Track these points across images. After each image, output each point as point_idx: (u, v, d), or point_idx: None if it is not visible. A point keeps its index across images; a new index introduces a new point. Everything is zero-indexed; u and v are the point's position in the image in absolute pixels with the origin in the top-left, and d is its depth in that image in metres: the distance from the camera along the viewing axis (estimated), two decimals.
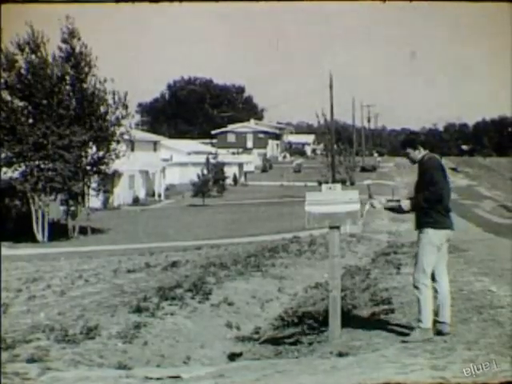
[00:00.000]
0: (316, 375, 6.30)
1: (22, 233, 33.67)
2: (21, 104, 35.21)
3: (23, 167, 35.15)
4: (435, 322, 7.40)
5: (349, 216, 7.86)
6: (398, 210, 7.58)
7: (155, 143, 62.38)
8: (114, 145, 37.57)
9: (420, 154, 7.49)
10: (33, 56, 35.05)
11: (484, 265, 14.41)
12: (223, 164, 63.33)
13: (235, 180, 69.74)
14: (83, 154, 36.34)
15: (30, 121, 34.96)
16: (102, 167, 37.54)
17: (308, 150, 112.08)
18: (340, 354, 7.10)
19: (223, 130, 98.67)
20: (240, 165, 74.54)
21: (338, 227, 7.82)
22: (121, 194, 51.89)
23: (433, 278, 7.43)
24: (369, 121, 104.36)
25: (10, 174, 35.33)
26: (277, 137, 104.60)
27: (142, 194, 56.49)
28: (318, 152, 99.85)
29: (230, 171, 67.46)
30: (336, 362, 6.75)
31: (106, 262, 21.51)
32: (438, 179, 7.31)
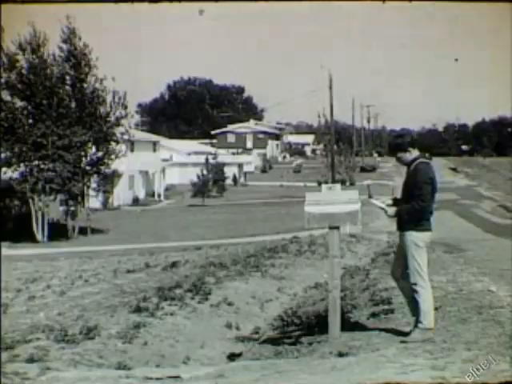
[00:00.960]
0: (316, 375, 6.30)
1: (21, 233, 33.69)
2: (21, 104, 35.23)
3: (23, 167, 35.17)
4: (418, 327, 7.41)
5: (349, 216, 7.84)
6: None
7: (155, 143, 62.37)
8: (113, 145, 37.59)
9: (411, 155, 7.36)
10: (34, 56, 35.06)
11: (484, 265, 14.42)
12: (223, 164, 63.34)
13: (235, 180, 69.74)
14: (83, 154, 36.35)
15: (30, 121, 34.97)
16: (102, 167, 37.56)
17: (308, 150, 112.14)
18: (340, 354, 7.10)
19: (223, 130, 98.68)
20: (240, 165, 74.54)
21: (337, 227, 7.81)
22: (120, 194, 51.88)
23: (405, 278, 7.40)
24: (368, 121, 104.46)
25: (9, 174, 35.34)
26: (276, 137, 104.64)
27: (141, 195, 56.50)
28: (318, 152, 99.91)
29: (230, 171, 67.45)
30: (336, 362, 6.75)
31: (105, 262, 21.52)
32: (426, 195, 7.25)
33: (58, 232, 35.61)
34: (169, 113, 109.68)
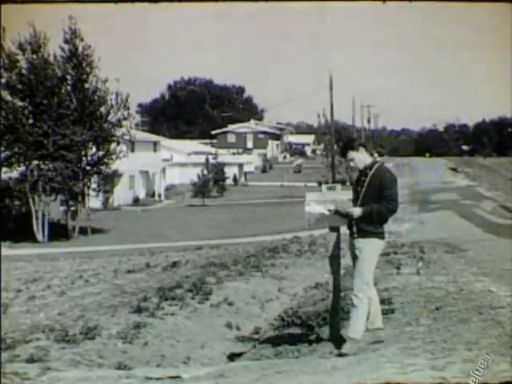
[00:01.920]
0: (316, 375, 6.29)
1: (22, 233, 33.70)
2: (21, 104, 35.23)
3: (23, 167, 35.17)
4: (367, 329, 7.33)
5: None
6: (345, 215, 7.36)
7: (155, 143, 62.40)
8: (114, 145, 37.61)
9: (366, 157, 7.28)
10: (34, 56, 35.06)
11: (484, 265, 14.41)
12: (223, 164, 63.38)
13: (235, 180, 69.76)
14: (83, 154, 36.37)
15: (30, 121, 34.97)
16: (102, 167, 37.58)
17: (308, 150, 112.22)
18: (340, 354, 7.09)
19: (223, 130, 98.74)
20: (240, 165, 74.56)
21: (338, 227, 7.80)
22: (121, 194, 51.90)
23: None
24: (369, 121, 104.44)
25: (9, 173, 35.35)
26: (277, 137, 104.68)
27: (142, 195, 56.51)
28: (318, 152, 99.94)
29: (230, 171, 67.49)
30: (336, 362, 6.75)
31: (106, 262, 21.53)
32: (396, 195, 7.17)
33: (58, 232, 35.61)
34: (169, 113, 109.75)
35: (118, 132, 37.90)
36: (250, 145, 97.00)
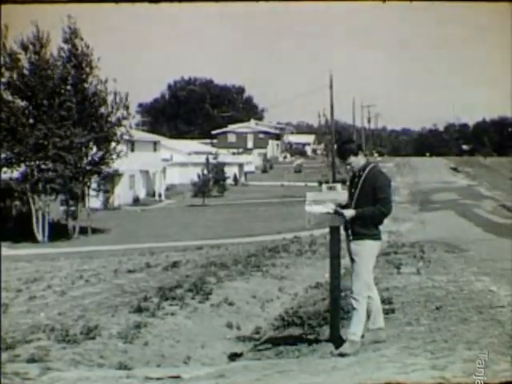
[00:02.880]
0: (316, 375, 6.29)
1: (22, 233, 33.68)
2: (22, 104, 35.20)
3: (23, 167, 35.15)
4: (368, 329, 7.34)
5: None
6: (337, 216, 7.33)
7: (155, 143, 62.38)
8: (114, 145, 37.58)
9: (361, 160, 7.27)
10: (36, 56, 35.02)
11: (484, 264, 14.41)
12: (223, 164, 63.35)
13: (235, 180, 69.74)
14: (83, 154, 36.34)
15: (31, 121, 34.93)
16: (103, 167, 37.54)
17: (308, 150, 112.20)
18: (340, 354, 7.09)
19: (223, 130, 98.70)
20: (240, 165, 74.53)
21: (338, 227, 7.80)
22: (121, 194, 51.88)
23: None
24: (369, 121, 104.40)
25: (10, 174, 35.33)
26: (277, 137, 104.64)
27: (142, 194, 56.49)
28: (319, 152, 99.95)
29: (231, 171, 67.46)
30: (336, 362, 6.75)
31: (106, 262, 21.51)
32: (389, 198, 7.18)
33: (58, 232, 35.60)
34: (169, 113, 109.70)
35: (118, 132, 37.86)
36: (250, 145, 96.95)
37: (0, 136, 33.29)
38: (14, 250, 29.00)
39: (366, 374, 6.04)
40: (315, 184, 57.52)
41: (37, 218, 35.20)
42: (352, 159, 7.23)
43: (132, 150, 49.76)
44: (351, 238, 7.23)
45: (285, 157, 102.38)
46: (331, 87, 54.76)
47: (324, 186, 8.04)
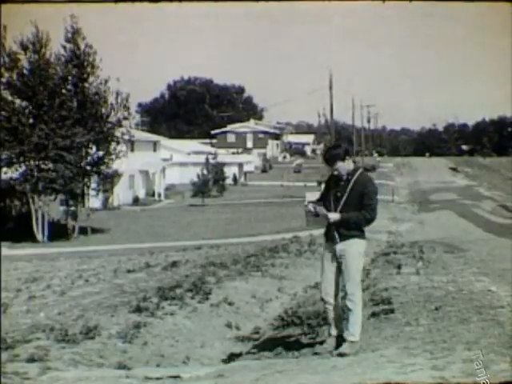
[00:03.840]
0: (316, 375, 6.30)
1: (22, 233, 33.68)
2: (22, 104, 35.17)
3: (23, 167, 35.14)
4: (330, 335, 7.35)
5: None
6: (320, 217, 7.29)
7: (155, 143, 62.40)
8: (113, 145, 37.58)
9: (349, 165, 7.23)
10: (36, 56, 35.00)
11: (484, 265, 14.42)
12: (223, 164, 63.36)
13: (235, 180, 69.76)
14: (84, 154, 36.34)
15: (31, 121, 34.91)
16: (102, 167, 37.54)
17: (308, 150, 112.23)
18: (340, 354, 7.10)
19: (223, 130, 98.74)
20: (240, 165, 74.55)
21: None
22: (121, 193, 51.90)
23: (337, 295, 7.28)
24: (368, 121, 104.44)
25: (10, 174, 35.32)
26: (277, 137, 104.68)
27: (141, 194, 56.51)
28: (318, 152, 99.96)
29: (230, 171, 67.49)
30: (336, 362, 6.75)
31: (105, 261, 21.51)
32: (376, 206, 7.18)
33: (58, 232, 35.60)
34: (169, 113, 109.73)
35: (118, 132, 37.86)
36: (249, 144, 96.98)
37: (1, 136, 33.28)
38: (14, 249, 29.00)
39: (365, 374, 6.04)
40: (314, 184, 57.57)
41: (37, 218, 35.20)
42: (339, 165, 7.19)
43: (132, 150, 49.77)
44: (338, 240, 7.20)
45: (284, 157, 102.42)
46: (331, 87, 54.83)
47: (323, 186, 8.04)
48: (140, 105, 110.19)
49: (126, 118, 37.96)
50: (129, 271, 17.68)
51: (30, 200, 35.49)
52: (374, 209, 7.17)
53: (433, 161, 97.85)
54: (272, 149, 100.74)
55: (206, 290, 12.49)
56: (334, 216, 7.13)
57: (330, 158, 7.24)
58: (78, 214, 37.50)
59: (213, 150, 72.91)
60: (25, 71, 35.02)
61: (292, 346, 8.36)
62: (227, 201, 54.86)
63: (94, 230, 37.22)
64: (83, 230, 36.65)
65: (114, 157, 37.57)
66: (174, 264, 18.18)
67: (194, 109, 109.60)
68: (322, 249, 7.70)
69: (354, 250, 7.19)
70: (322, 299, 7.39)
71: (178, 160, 65.83)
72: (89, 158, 36.87)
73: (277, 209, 44.63)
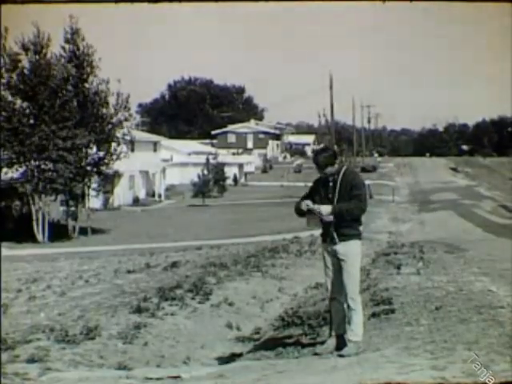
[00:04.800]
0: (316, 375, 6.30)
1: (22, 233, 33.67)
2: (23, 105, 35.18)
3: (24, 168, 35.14)
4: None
5: None
6: (314, 213, 7.29)
7: (155, 144, 62.40)
8: (114, 146, 37.59)
9: (334, 167, 7.27)
10: (36, 56, 35.00)
11: (484, 265, 14.41)
12: (223, 164, 63.35)
13: (235, 180, 69.77)
14: (84, 154, 36.33)
15: (32, 122, 34.90)
16: (103, 168, 37.54)
17: (308, 150, 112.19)
18: (340, 355, 7.10)
19: (223, 130, 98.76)
20: (240, 165, 74.57)
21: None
22: (121, 194, 51.91)
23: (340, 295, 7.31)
24: (369, 121, 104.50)
25: (10, 174, 35.32)
26: (277, 137, 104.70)
27: (142, 195, 56.51)
28: None
29: (231, 171, 67.48)
30: (336, 362, 6.75)
31: (106, 262, 21.50)
32: (365, 197, 7.23)
33: (58, 232, 35.59)
34: (169, 113, 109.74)
35: (119, 133, 37.86)
36: (250, 145, 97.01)
37: (1, 136, 33.27)
38: (14, 250, 28.99)
39: (365, 374, 6.04)
40: None
41: (37, 219, 35.19)
42: (328, 169, 7.25)
43: (132, 151, 49.75)
44: (337, 240, 7.21)
45: (284, 157, 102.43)
46: (331, 88, 54.83)
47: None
48: (140, 105, 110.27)
49: (126, 120, 37.98)
50: (129, 272, 17.67)
51: (31, 200, 35.49)
52: (364, 199, 7.23)
53: (433, 161, 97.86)
54: (272, 149, 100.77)
55: (206, 291, 12.50)
56: (326, 208, 7.16)
57: (320, 163, 7.27)
58: (79, 214, 37.49)
59: (213, 150, 72.94)
60: (25, 72, 35.02)
61: (292, 346, 8.36)
62: (227, 201, 54.85)
63: (95, 231, 37.21)
64: (83, 231, 36.64)
65: (114, 157, 37.57)
66: (175, 264, 18.17)
67: (194, 109, 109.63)
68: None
69: (355, 251, 7.23)
70: (331, 299, 7.40)
71: (178, 160, 65.84)
72: (89, 159, 36.87)
73: (277, 209, 44.58)
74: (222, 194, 59.67)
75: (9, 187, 35.96)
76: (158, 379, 6.88)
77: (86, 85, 36.37)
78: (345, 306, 7.24)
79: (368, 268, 14.96)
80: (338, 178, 7.22)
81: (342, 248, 7.20)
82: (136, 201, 54.08)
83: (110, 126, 36.95)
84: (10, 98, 34.84)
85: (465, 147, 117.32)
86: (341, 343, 7.26)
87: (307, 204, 7.23)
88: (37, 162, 34.86)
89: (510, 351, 6.54)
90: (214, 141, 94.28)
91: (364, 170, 74.38)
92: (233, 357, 9.07)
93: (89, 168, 36.94)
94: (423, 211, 44.78)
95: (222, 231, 34.14)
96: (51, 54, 35.62)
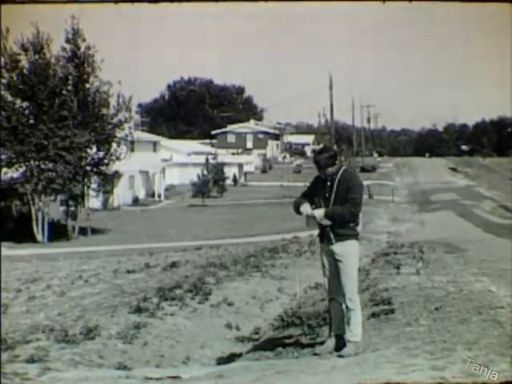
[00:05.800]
0: (316, 375, 6.30)
1: (21, 233, 33.65)
2: (23, 105, 35.18)
3: (23, 168, 35.13)
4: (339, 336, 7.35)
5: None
6: (311, 217, 7.30)
7: (155, 144, 62.38)
8: (114, 146, 37.58)
9: (334, 167, 7.26)
10: (36, 56, 35.00)
11: (484, 265, 14.41)
12: (223, 164, 63.33)
13: (235, 180, 69.73)
14: (84, 154, 36.32)
15: (31, 121, 34.90)
16: (103, 168, 37.52)
17: (308, 150, 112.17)
18: (340, 355, 7.09)
19: (223, 130, 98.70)
20: (240, 165, 74.52)
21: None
22: (121, 194, 51.87)
23: (336, 292, 7.30)
24: (368, 121, 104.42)
25: (10, 174, 35.30)
26: (276, 137, 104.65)
27: (141, 195, 56.48)
28: None
29: (230, 172, 67.44)
30: (336, 363, 6.75)
31: (105, 262, 21.49)
32: (360, 200, 7.22)
33: (58, 232, 35.58)
34: (169, 113, 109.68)
35: (119, 133, 37.85)
36: (249, 145, 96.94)
37: (1, 136, 33.26)
38: (14, 250, 28.97)
39: (365, 374, 6.04)
40: None
41: (36, 219, 35.17)
42: (329, 170, 7.24)
43: (132, 151, 49.73)
44: (333, 240, 7.21)
45: (284, 157, 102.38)
46: (331, 87, 54.83)
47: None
48: (140, 105, 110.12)
49: (126, 121, 37.97)
50: (129, 272, 17.66)
51: (30, 200, 35.48)
52: (359, 203, 7.21)
53: (433, 161, 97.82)
54: (272, 149, 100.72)
55: (205, 291, 12.49)
56: (319, 212, 7.16)
57: (321, 163, 7.25)
58: (78, 214, 37.48)
59: (213, 150, 72.92)
60: (25, 71, 35.02)
61: (292, 346, 8.36)
62: (227, 201, 54.84)
63: (94, 231, 37.20)
64: (83, 231, 36.63)
65: (114, 158, 37.56)
66: (174, 264, 18.16)
67: (193, 109, 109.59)
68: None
69: (352, 251, 7.22)
70: (331, 299, 7.40)
71: (177, 160, 65.80)
72: (89, 159, 36.86)
73: (277, 209, 44.55)
74: (222, 194, 59.64)
75: (9, 187, 35.94)
76: (157, 379, 6.88)
77: (87, 85, 36.38)
78: (343, 306, 7.24)
79: (367, 268, 14.96)
80: (336, 178, 7.21)
81: (338, 248, 7.20)
82: (136, 201, 54.06)
83: (110, 126, 36.96)
84: (9, 98, 34.86)
85: (464, 147, 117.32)
86: (340, 343, 7.26)
87: (305, 208, 7.23)
88: (36, 162, 34.86)
89: (510, 351, 6.54)
90: (214, 141, 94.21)
91: (363, 169, 74.27)
92: (232, 357, 9.07)
93: (88, 168, 36.93)
94: (423, 211, 44.76)
95: (222, 231, 34.12)
96: (51, 55, 35.66)
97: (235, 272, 15.47)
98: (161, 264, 19.19)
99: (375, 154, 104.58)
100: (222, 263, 17.28)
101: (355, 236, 7.26)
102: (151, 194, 58.07)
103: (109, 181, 43.34)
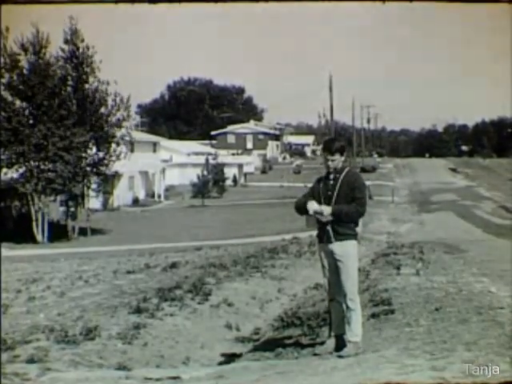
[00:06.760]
0: (316, 376, 6.30)
1: (21, 234, 33.67)
2: (22, 105, 35.19)
3: (23, 168, 35.14)
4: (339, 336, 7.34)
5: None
6: (311, 217, 7.31)
7: (155, 144, 62.39)
8: (114, 146, 37.60)
9: (341, 162, 7.32)
10: (36, 57, 35.02)
11: (484, 265, 14.41)
12: (223, 165, 63.39)
13: (235, 181, 69.75)
14: (83, 155, 36.34)
15: (31, 122, 34.92)
16: (102, 168, 37.54)
17: (308, 150, 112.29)
18: (340, 355, 7.09)
19: (223, 130, 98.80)
20: (240, 166, 74.54)
21: None
22: (120, 194, 51.90)
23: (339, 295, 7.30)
24: (368, 122, 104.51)
25: (10, 174, 35.32)
26: (276, 138, 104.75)
27: (141, 195, 56.51)
28: (318, 153, 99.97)
29: (230, 172, 67.48)
30: (336, 363, 6.75)
31: (105, 262, 21.48)
32: (365, 200, 7.27)
33: (58, 233, 35.59)
34: (169, 113, 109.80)
35: (118, 133, 37.86)
36: (249, 145, 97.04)
37: (1, 136, 33.26)
38: (14, 250, 28.98)
39: (365, 374, 6.04)
40: None
41: (36, 219, 35.19)
42: (337, 157, 7.26)
43: (131, 151, 49.78)
44: (333, 239, 7.22)
45: (284, 157, 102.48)
46: (331, 88, 54.78)
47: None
48: (140, 106, 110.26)
49: (125, 120, 37.97)
50: (128, 272, 17.66)
51: (30, 201, 35.49)
52: (364, 203, 7.25)
53: (432, 161, 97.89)
54: (272, 150, 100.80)
55: (205, 291, 12.49)
56: (327, 209, 7.17)
57: (332, 147, 7.28)
58: (78, 214, 37.51)
59: (213, 150, 72.96)
60: (25, 72, 35.05)
61: (292, 346, 8.36)
62: (227, 202, 54.85)
63: (94, 231, 37.22)
64: (83, 231, 36.65)
65: (114, 158, 37.58)
66: (174, 265, 18.16)
67: (193, 109, 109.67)
68: None
69: (351, 251, 7.23)
70: (331, 300, 7.40)
71: (177, 161, 65.84)
72: (89, 159, 36.88)
73: (276, 210, 44.58)
74: (222, 194, 59.68)
75: (9, 187, 35.95)
76: (157, 380, 6.88)
77: (86, 85, 36.41)
78: (344, 306, 7.24)
79: (367, 269, 14.97)
80: (339, 176, 7.23)
81: (338, 248, 7.20)
82: (135, 201, 54.08)
83: (108, 125, 36.96)
84: (9, 98, 34.89)
85: (464, 148, 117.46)
86: (340, 344, 7.26)
87: (312, 205, 7.22)
88: (36, 163, 34.87)
89: (510, 352, 6.54)
90: (214, 141, 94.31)
91: (363, 170, 74.37)
92: (232, 357, 9.07)
93: (88, 168, 36.95)
94: (423, 212, 44.79)
95: (222, 232, 34.13)
96: (51, 55, 35.70)
97: (235, 272, 15.47)
98: (161, 264, 19.18)
99: (375, 155, 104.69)
100: (221, 264, 17.28)
101: (354, 236, 7.27)
102: (151, 195, 58.10)
103: (109, 181, 43.39)
